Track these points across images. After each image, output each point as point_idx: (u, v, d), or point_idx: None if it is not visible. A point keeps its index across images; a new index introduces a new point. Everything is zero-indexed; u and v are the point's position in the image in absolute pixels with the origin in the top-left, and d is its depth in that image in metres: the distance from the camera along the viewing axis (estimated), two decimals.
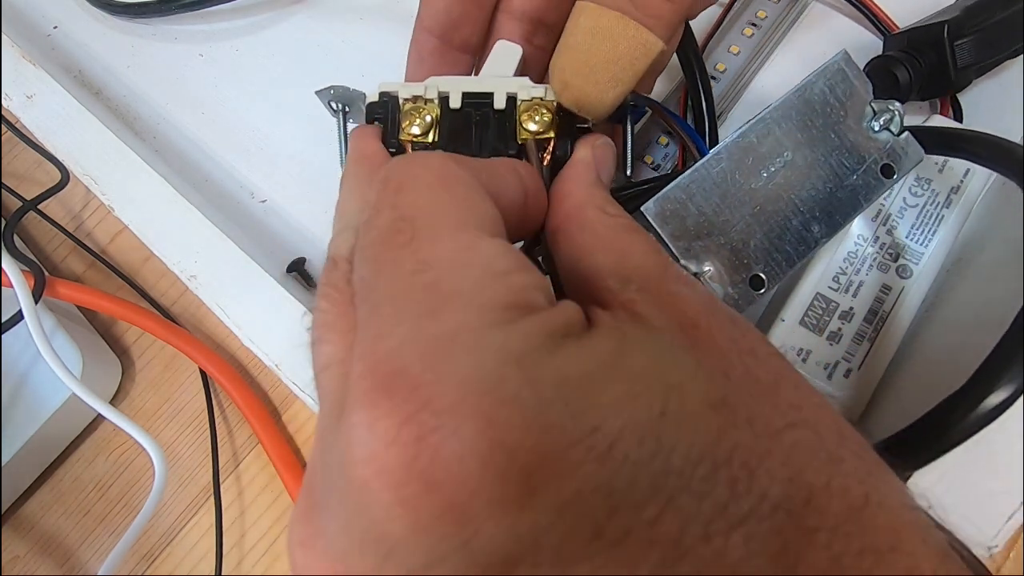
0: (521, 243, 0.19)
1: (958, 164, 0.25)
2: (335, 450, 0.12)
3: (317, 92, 0.22)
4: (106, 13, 0.40)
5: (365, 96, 0.21)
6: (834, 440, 0.12)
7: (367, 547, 0.11)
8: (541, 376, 0.11)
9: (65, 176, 0.33)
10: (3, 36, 0.36)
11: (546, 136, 0.20)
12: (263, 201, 0.35)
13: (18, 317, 0.30)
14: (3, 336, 0.30)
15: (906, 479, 0.20)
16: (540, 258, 0.19)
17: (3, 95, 0.35)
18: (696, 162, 0.20)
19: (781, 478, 0.11)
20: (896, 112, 0.21)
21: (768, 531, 0.11)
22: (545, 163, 0.19)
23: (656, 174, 0.31)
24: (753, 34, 0.33)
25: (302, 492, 0.13)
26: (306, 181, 0.35)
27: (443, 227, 0.13)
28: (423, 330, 0.12)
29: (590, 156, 0.19)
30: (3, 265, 0.30)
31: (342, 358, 0.14)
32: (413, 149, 0.20)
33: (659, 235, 0.20)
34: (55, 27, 0.41)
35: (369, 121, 0.21)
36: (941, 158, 0.25)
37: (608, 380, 0.12)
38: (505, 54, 0.25)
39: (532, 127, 0.20)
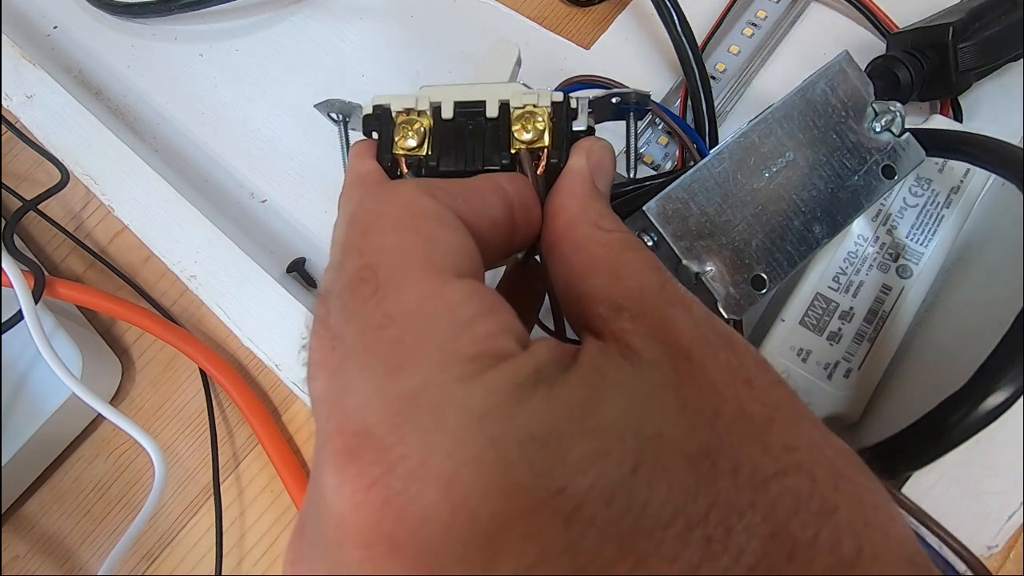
0: (523, 253, 0.19)
1: (958, 164, 0.25)
2: (314, 497, 0.12)
3: (316, 105, 0.22)
4: (106, 13, 0.40)
5: (361, 108, 0.21)
6: (829, 485, 0.12)
7: None
8: (504, 435, 0.11)
9: (65, 176, 0.33)
10: (3, 36, 0.36)
11: (539, 145, 0.19)
12: (263, 201, 0.35)
13: (18, 317, 0.30)
14: (3, 336, 0.30)
15: (906, 480, 0.20)
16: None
17: (3, 95, 0.35)
18: (697, 162, 0.20)
19: (762, 534, 0.11)
20: (897, 113, 0.21)
21: None
22: (540, 172, 0.19)
23: (655, 173, 0.31)
24: (753, 34, 0.33)
25: (298, 520, 0.13)
26: (306, 181, 0.35)
27: (407, 275, 0.13)
28: (387, 389, 0.12)
29: (584, 164, 0.18)
30: (3, 265, 0.30)
31: (328, 396, 0.14)
32: (407, 162, 0.20)
33: (661, 234, 0.20)
34: (55, 27, 0.41)
35: (367, 134, 0.21)
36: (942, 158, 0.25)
37: (576, 435, 0.11)
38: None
39: (525, 136, 0.19)
